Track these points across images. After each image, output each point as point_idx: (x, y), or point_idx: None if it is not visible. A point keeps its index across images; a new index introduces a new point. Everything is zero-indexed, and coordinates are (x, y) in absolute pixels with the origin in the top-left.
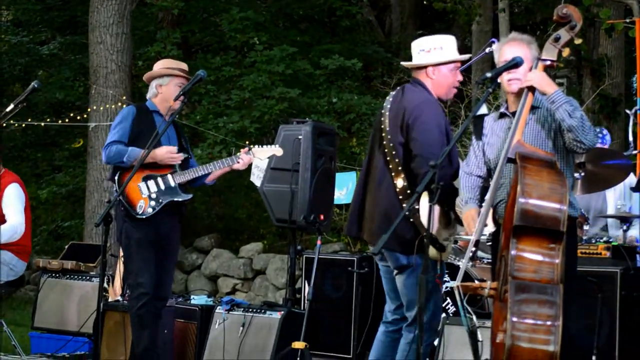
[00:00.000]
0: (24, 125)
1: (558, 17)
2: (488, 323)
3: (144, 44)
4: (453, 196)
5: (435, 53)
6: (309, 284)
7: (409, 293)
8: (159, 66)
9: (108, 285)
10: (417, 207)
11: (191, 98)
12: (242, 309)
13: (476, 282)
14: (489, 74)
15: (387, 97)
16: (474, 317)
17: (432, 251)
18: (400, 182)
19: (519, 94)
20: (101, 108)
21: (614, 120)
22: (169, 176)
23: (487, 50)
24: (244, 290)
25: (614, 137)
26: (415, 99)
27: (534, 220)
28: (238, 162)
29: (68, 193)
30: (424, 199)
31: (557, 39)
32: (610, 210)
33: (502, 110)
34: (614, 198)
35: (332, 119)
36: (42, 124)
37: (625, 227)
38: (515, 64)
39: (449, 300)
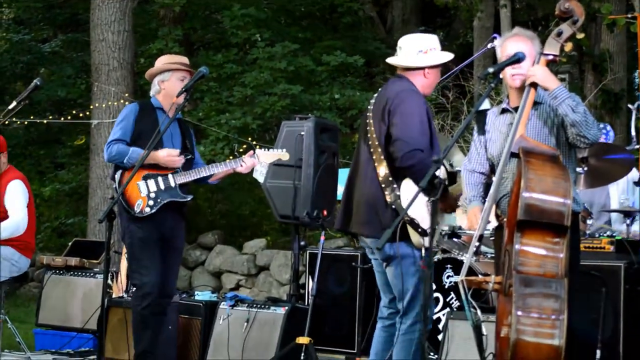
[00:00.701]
0: (26, 122)
1: (560, 11)
2: (492, 317)
3: (146, 41)
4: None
5: (432, 54)
6: (312, 280)
7: (399, 283)
8: (160, 62)
9: (112, 281)
10: (398, 193)
11: (193, 95)
12: (246, 305)
13: (480, 276)
14: (491, 69)
15: (374, 94)
16: (479, 312)
17: (415, 237)
18: (382, 171)
19: (521, 89)
20: (103, 105)
21: (616, 116)
22: (170, 176)
23: (488, 45)
24: (248, 286)
25: (616, 132)
26: (397, 87)
27: (538, 214)
28: (241, 166)
29: (71, 190)
30: (406, 185)
31: (559, 34)
32: (614, 205)
33: (503, 105)
34: (617, 193)
35: (334, 115)
36: (45, 121)
37: (628, 222)
38: (517, 59)
39: (453, 294)
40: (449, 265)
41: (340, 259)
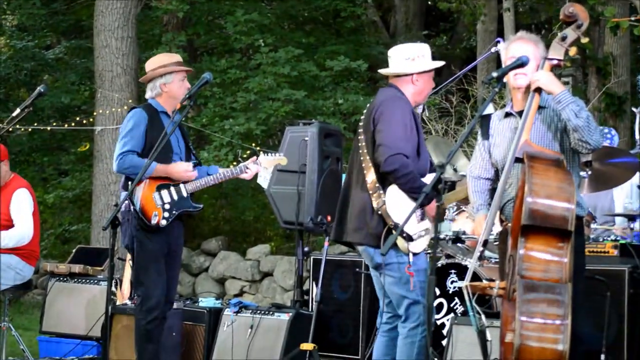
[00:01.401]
0: (30, 129)
1: (565, 16)
2: (497, 322)
3: (150, 48)
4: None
5: (420, 61)
6: (316, 286)
7: (395, 290)
8: (156, 64)
9: (116, 288)
10: (383, 198)
11: (197, 101)
12: (250, 311)
13: (485, 281)
14: (495, 74)
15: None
16: (483, 317)
17: (400, 242)
18: (370, 177)
19: (524, 92)
20: (107, 112)
21: (620, 119)
22: (182, 186)
23: (492, 49)
24: (252, 292)
25: (620, 135)
26: (384, 95)
27: (542, 219)
28: (246, 172)
29: (75, 197)
30: (391, 190)
31: (563, 38)
32: (618, 209)
33: (507, 109)
34: (621, 197)
35: (338, 120)
36: (49, 128)
37: (632, 226)
38: (521, 63)
39: (457, 300)
40: (453, 271)
41: (344, 265)
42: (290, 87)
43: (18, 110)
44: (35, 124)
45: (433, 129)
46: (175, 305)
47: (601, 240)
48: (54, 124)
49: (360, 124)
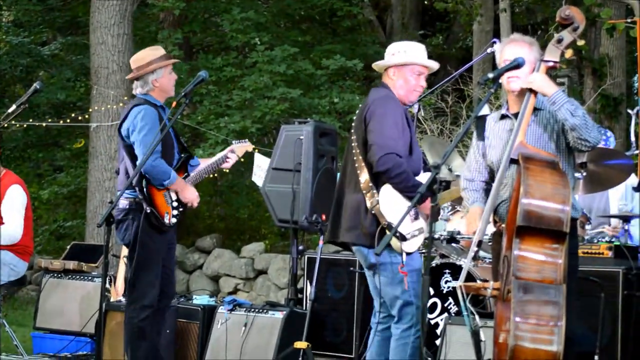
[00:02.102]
0: (25, 125)
1: (561, 18)
2: (490, 323)
3: (145, 45)
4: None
5: (398, 55)
6: (310, 284)
7: (388, 290)
8: (144, 61)
9: (110, 285)
10: (377, 198)
11: (192, 99)
12: (244, 309)
13: (479, 282)
14: (490, 75)
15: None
16: (477, 317)
17: (393, 241)
18: (363, 177)
19: (519, 94)
20: (102, 108)
21: (616, 120)
22: None
23: (488, 50)
24: (246, 290)
25: (616, 136)
26: (375, 95)
27: (537, 220)
28: (227, 162)
29: (70, 193)
30: (385, 190)
31: (559, 41)
32: (613, 210)
33: (502, 111)
34: (616, 198)
35: (333, 119)
36: (44, 124)
37: (627, 227)
38: (516, 65)
39: (451, 300)
40: (447, 270)
41: (339, 264)
42: (286, 86)
43: (14, 107)
44: (31, 120)
45: (428, 128)
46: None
47: (595, 241)
48: (49, 120)
49: (353, 123)
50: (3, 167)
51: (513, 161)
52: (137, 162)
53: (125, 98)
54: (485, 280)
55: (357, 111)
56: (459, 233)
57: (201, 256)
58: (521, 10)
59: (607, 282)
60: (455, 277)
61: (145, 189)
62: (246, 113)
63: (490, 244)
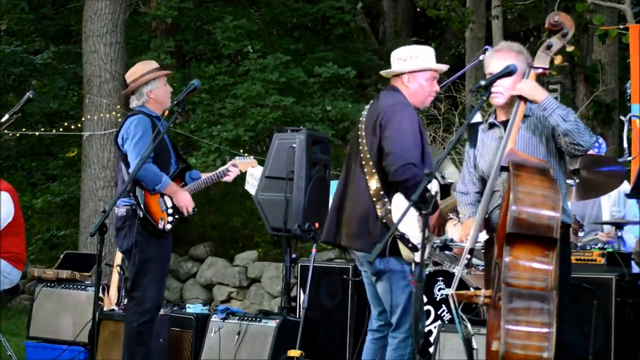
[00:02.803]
0: (18, 134)
1: (550, 24)
2: (483, 330)
3: (138, 53)
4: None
5: (411, 61)
6: (304, 292)
7: (390, 298)
8: (138, 74)
9: (103, 294)
10: (389, 207)
11: (185, 107)
12: (238, 318)
13: (471, 289)
14: (483, 82)
15: (366, 106)
16: (469, 325)
17: (405, 252)
18: (373, 184)
19: (507, 104)
20: (95, 117)
21: (608, 127)
22: None
23: (480, 57)
24: (239, 298)
25: (608, 143)
26: (389, 101)
27: (527, 227)
28: (228, 175)
29: (63, 202)
30: (397, 199)
31: (549, 47)
32: (606, 217)
33: (491, 120)
34: (609, 205)
35: (326, 127)
36: (37, 133)
37: (620, 234)
38: (509, 72)
39: (444, 307)
40: (440, 278)
41: (332, 272)
42: (279, 94)
43: (7, 116)
44: (24, 129)
45: None
46: (162, 311)
47: (588, 248)
48: (42, 129)
49: (360, 125)
50: None
51: (503, 168)
52: (130, 169)
53: (118, 107)
54: (478, 288)
55: (363, 113)
56: (452, 241)
57: (194, 265)
58: (513, 17)
59: (600, 289)
60: (449, 285)
61: (139, 196)
62: (239, 121)
63: (482, 251)
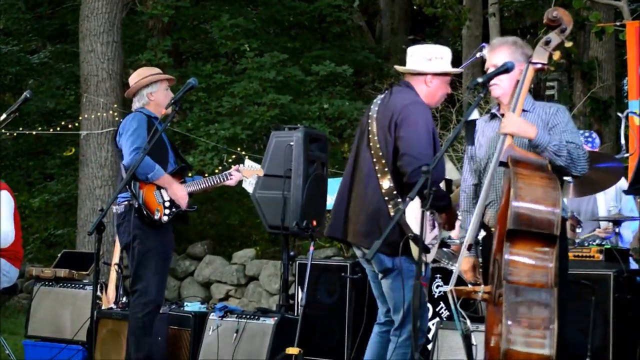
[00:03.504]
0: (15, 134)
1: (548, 20)
2: (482, 327)
3: (135, 52)
4: (439, 200)
5: (436, 62)
6: (302, 290)
7: (395, 296)
8: (140, 76)
9: (101, 293)
10: (402, 207)
11: (182, 106)
12: (236, 316)
13: (469, 286)
14: (480, 79)
15: (375, 100)
16: (468, 321)
17: (415, 252)
18: (386, 183)
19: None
20: (92, 116)
21: (605, 123)
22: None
23: (477, 55)
24: (237, 296)
25: (605, 139)
26: (404, 99)
27: (528, 224)
28: (230, 179)
29: (60, 201)
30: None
31: (547, 42)
32: (601, 213)
33: (493, 110)
34: (604, 201)
35: (323, 125)
36: (34, 132)
37: (617, 230)
38: (506, 69)
39: (442, 304)
40: (438, 275)
41: (330, 269)
42: (276, 92)
43: (4, 115)
44: (21, 129)
45: None
46: (160, 310)
47: (586, 244)
48: (39, 128)
49: (370, 121)
50: None
51: (502, 164)
52: (123, 161)
53: (115, 105)
54: (476, 284)
55: (375, 109)
56: (449, 237)
57: (192, 263)
58: (510, 14)
59: (598, 285)
60: (447, 282)
61: (134, 188)
62: (236, 120)
63: (480, 248)
